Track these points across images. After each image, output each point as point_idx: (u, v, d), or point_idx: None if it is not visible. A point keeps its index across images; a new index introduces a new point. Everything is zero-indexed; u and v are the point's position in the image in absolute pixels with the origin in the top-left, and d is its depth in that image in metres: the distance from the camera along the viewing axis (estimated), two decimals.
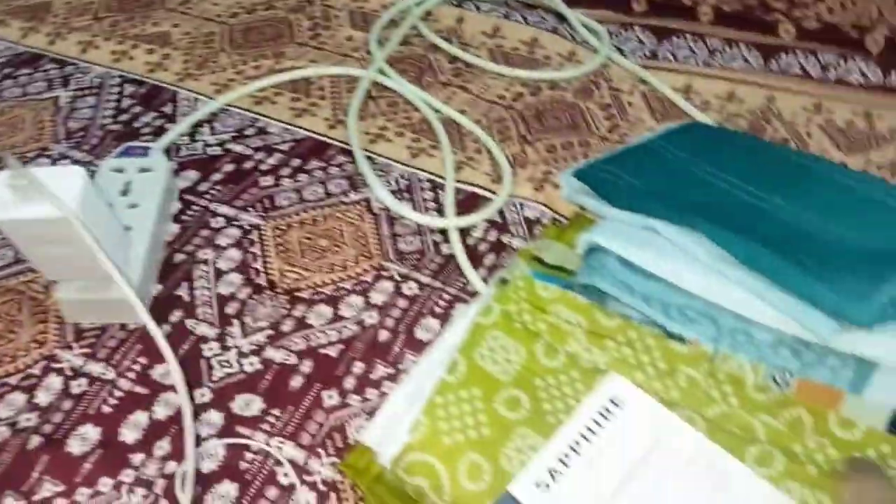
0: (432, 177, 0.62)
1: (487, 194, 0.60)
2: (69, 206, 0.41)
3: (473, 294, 0.53)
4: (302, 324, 0.51)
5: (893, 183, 0.60)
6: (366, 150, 0.63)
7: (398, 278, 0.54)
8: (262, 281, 0.54)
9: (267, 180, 0.61)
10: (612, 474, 0.39)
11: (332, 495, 0.43)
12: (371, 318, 0.52)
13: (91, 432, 0.46)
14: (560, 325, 0.47)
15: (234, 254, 0.55)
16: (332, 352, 0.50)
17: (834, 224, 0.52)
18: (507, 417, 0.42)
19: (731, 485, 0.39)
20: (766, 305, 0.46)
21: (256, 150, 0.63)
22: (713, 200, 0.54)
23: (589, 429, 0.41)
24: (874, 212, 0.53)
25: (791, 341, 0.45)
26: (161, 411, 0.47)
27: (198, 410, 0.47)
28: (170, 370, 0.48)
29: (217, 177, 0.61)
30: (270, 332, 0.51)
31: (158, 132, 0.64)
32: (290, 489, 0.44)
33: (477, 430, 0.42)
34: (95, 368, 0.49)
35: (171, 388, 0.48)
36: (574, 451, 0.40)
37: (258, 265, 0.55)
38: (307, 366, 0.49)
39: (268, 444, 0.45)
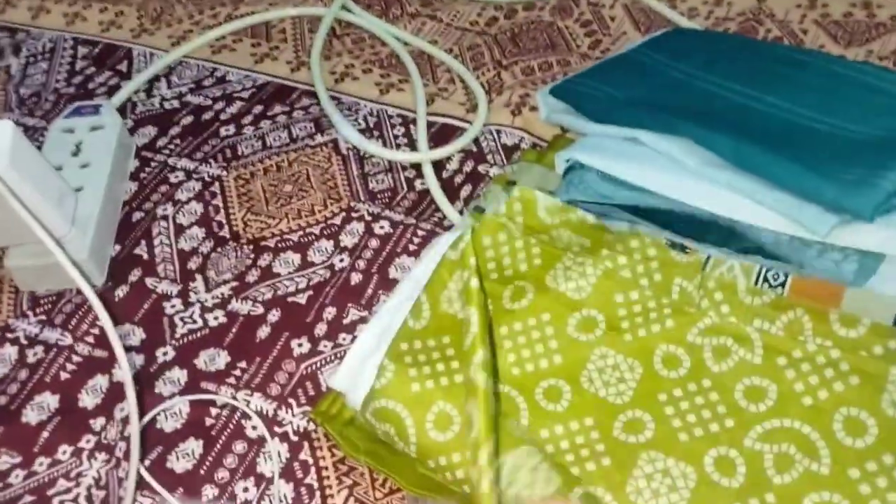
0: (403, 112, 0.58)
1: (463, 125, 0.57)
2: None
3: (449, 228, 0.50)
4: (268, 273, 0.49)
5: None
6: (331, 90, 0.60)
7: (369, 218, 0.51)
8: (225, 233, 0.51)
9: (228, 130, 0.58)
10: None
11: (305, 444, 0.41)
12: (342, 261, 0.49)
13: (49, 400, 0.43)
14: (557, 241, 0.43)
15: (196, 207, 0.52)
16: (301, 299, 0.47)
17: (832, 116, 0.47)
18: None
19: None
20: (760, 206, 0.43)
21: (215, 100, 0.60)
22: (698, 103, 0.50)
23: None
24: (876, 100, 0.48)
25: (788, 241, 0.41)
26: (121, 373, 0.44)
27: (160, 369, 0.44)
28: (128, 330, 0.45)
29: (175, 131, 0.58)
30: (235, 283, 0.48)
31: (113, 91, 0.61)
32: (259, 442, 0.41)
33: (449, 376, 0.38)
34: (52, 335, 0.46)
35: (132, 348, 0.45)
36: None
37: (220, 217, 0.52)
38: (275, 315, 0.46)
39: (234, 398, 0.43)
